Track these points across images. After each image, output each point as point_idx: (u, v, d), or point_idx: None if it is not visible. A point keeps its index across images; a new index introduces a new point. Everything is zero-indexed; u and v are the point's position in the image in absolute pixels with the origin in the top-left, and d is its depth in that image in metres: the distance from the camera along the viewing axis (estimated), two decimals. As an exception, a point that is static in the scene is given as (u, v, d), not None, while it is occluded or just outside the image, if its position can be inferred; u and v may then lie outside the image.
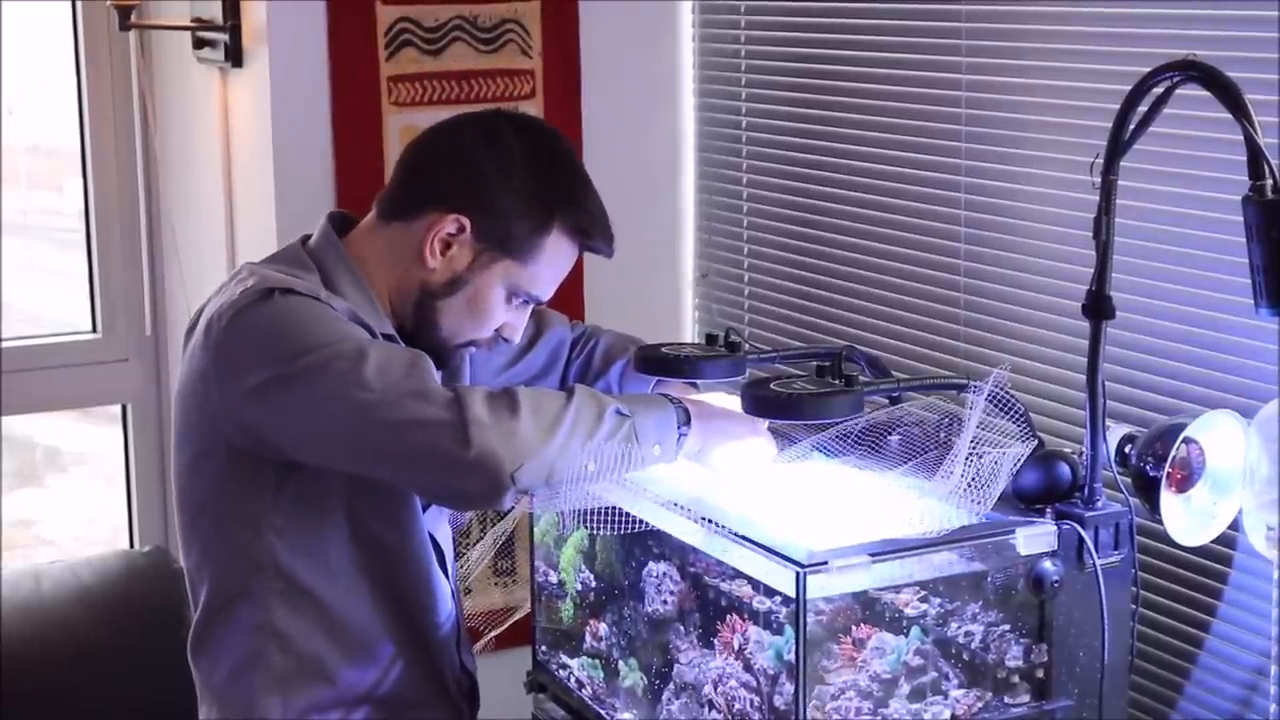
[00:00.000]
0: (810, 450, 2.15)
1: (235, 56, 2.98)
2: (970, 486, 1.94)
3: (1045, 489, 2.03)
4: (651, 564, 2.21)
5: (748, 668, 2.02)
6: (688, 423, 2.07)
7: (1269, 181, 1.80)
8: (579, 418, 1.97)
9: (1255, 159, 1.81)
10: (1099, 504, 2.03)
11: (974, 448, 1.97)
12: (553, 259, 2.14)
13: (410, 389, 1.95)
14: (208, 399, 2.06)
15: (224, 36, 2.99)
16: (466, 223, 2.10)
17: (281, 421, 2.01)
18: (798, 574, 1.84)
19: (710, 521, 1.99)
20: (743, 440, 2.12)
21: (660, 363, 2.25)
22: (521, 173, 2.11)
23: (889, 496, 2.02)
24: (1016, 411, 2.04)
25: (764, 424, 2.15)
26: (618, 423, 1.99)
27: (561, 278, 2.19)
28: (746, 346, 2.30)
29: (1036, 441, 2.04)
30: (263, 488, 2.07)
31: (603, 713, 2.24)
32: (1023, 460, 2.00)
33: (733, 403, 2.19)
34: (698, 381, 2.29)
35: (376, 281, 2.15)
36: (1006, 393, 2.04)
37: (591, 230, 2.16)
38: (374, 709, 2.15)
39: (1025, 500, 2.04)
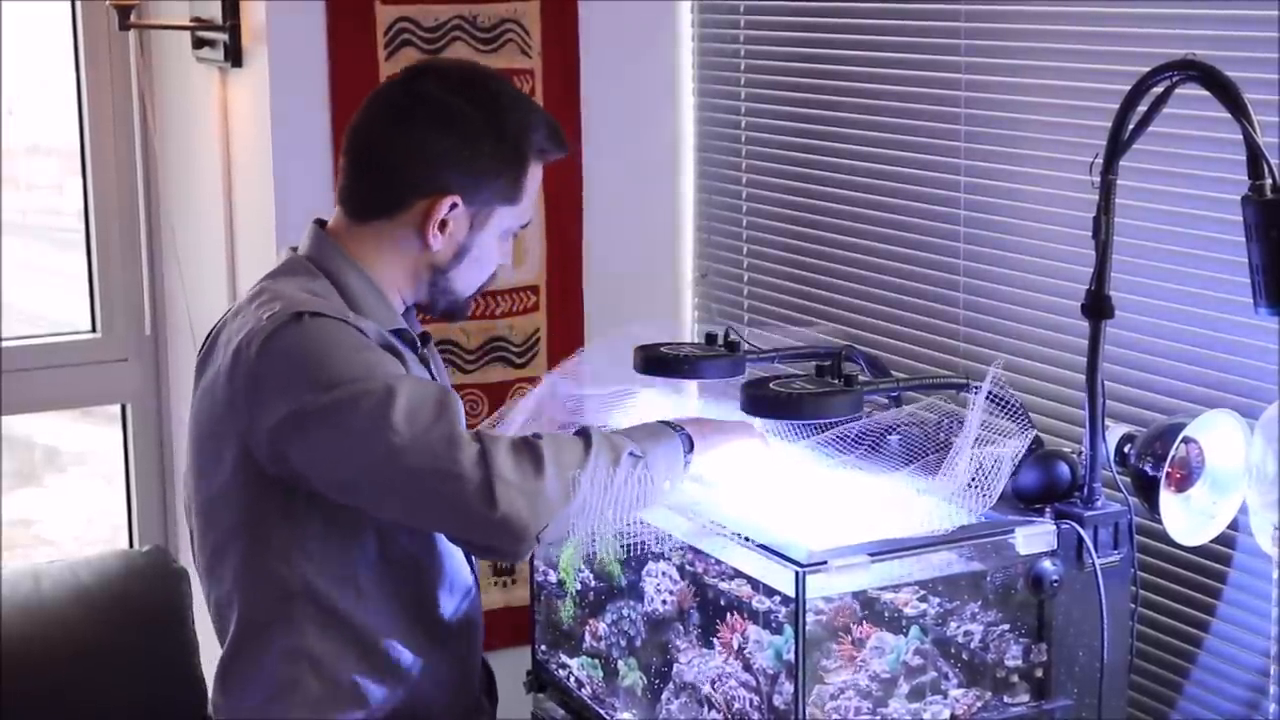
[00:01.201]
0: (804, 441, 2.14)
1: (235, 56, 2.98)
2: (973, 483, 1.94)
3: (1044, 488, 2.03)
4: (651, 563, 2.21)
5: (747, 667, 2.03)
6: (691, 449, 2.08)
7: (1268, 181, 1.80)
8: (598, 466, 1.97)
9: (1254, 158, 1.81)
10: (1098, 503, 2.03)
11: (975, 446, 1.97)
12: (531, 187, 2.19)
13: (439, 437, 1.94)
14: (240, 426, 2.04)
15: (223, 36, 2.99)
16: (458, 199, 2.12)
17: (310, 454, 2.00)
18: (797, 574, 1.84)
19: (710, 521, 2.00)
20: (735, 444, 2.13)
21: (660, 362, 2.25)
22: (485, 132, 2.13)
23: (890, 496, 2.01)
24: (1013, 407, 2.04)
25: (757, 424, 2.15)
26: (632, 465, 2.00)
27: (536, 195, 2.24)
28: (746, 346, 2.30)
29: (1034, 433, 2.04)
30: (295, 515, 2.06)
31: (602, 712, 2.24)
32: (1022, 453, 1.99)
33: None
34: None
35: (379, 275, 2.16)
36: (1002, 389, 2.05)
37: (554, 146, 2.20)
38: None
39: (1025, 500, 2.04)
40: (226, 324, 2.11)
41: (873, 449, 2.12)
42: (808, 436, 2.16)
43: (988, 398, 2.03)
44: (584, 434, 2.01)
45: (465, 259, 2.16)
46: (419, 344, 2.22)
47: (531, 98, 2.25)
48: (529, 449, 1.96)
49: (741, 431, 2.14)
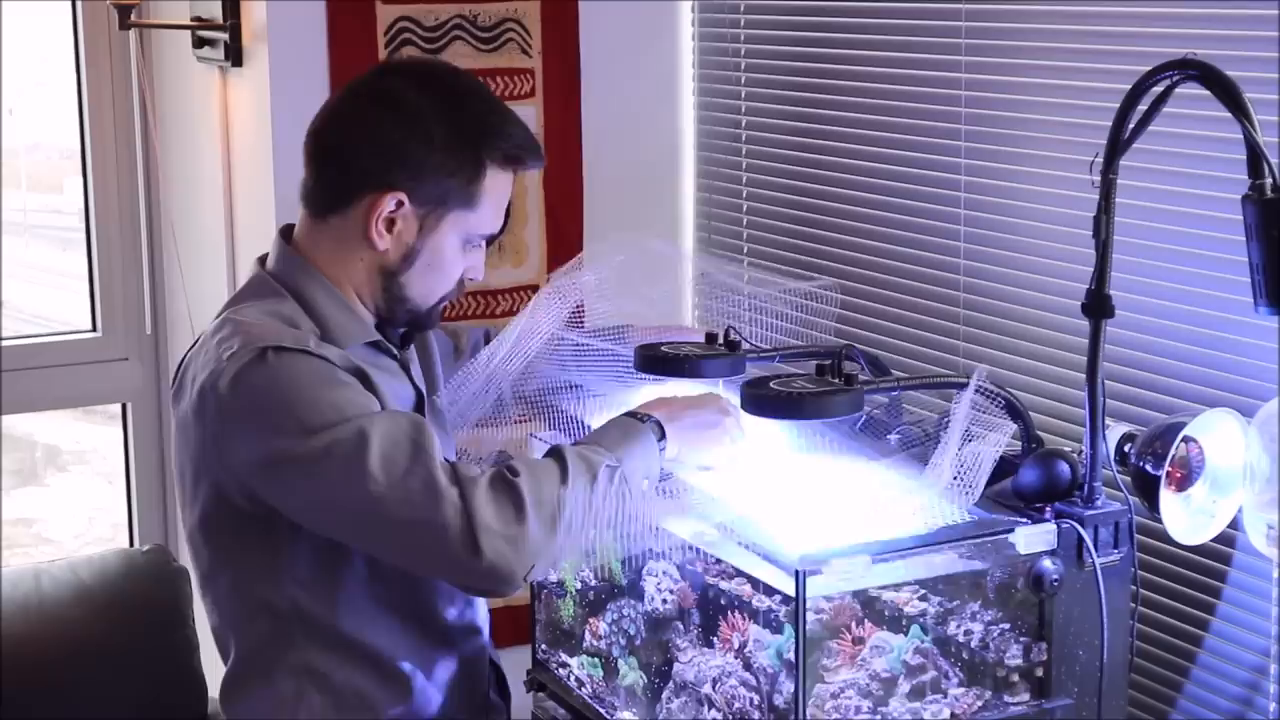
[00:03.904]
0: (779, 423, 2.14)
1: (235, 56, 2.98)
2: (957, 479, 1.94)
3: (1045, 488, 2.03)
4: (651, 563, 2.21)
5: (747, 666, 2.03)
6: (663, 436, 2.07)
7: (1268, 180, 1.80)
8: (577, 492, 1.95)
9: (1255, 158, 1.81)
10: (1098, 503, 2.03)
11: (961, 443, 1.96)
12: (493, 195, 2.12)
13: (417, 484, 1.92)
14: (212, 466, 2.03)
15: (224, 36, 2.99)
16: (403, 196, 2.07)
17: (286, 500, 2.00)
18: (798, 572, 1.84)
19: (708, 519, 2.00)
20: (713, 431, 2.12)
21: (660, 361, 2.25)
22: (437, 128, 2.07)
23: (876, 492, 2.00)
24: (1004, 403, 2.05)
25: (724, 400, 2.15)
26: (609, 478, 1.98)
27: (504, 207, 2.17)
28: (746, 345, 2.30)
29: (1014, 428, 2.03)
30: (277, 545, 2.05)
31: (602, 711, 2.24)
32: (1002, 446, 1.98)
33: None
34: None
35: (342, 283, 2.12)
36: (988, 387, 2.05)
37: (520, 154, 2.13)
38: None
39: (1025, 499, 2.04)
40: (193, 359, 2.08)
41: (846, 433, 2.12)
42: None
43: (980, 392, 2.03)
44: (558, 456, 1.98)
45: (416, 263, 2.10)
46: (398, 348, 2.19)
47: (506, 105, 2.17)
48: (508, 490, 1.92)
49: (710, 404, 2.14)
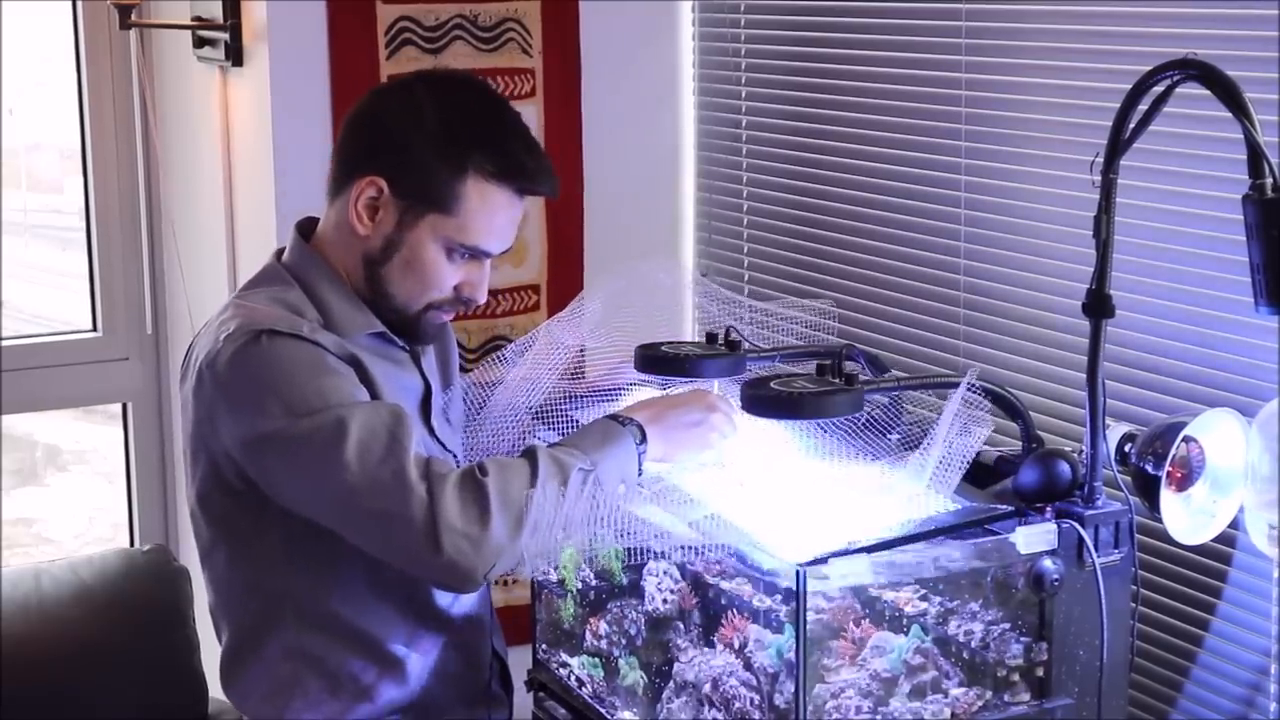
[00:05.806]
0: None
1: (235, 55, 2.99)
2: (934, 476, 1.94)
3: (1045, 487, 2.03)
4: (652, 562, 2.21)
5: (748, 666, 2.03)
6: (644, 439, 2.07)
7: (1269, 180, 1.80)
8: (546, 495, 1.95)
9: (1255, 157, 1.81)
10: (1099, 503, 2.03)
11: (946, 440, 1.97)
12: (481, 207, 2.10)
13: (389, 474, 1.94)
14: (207, 446, 2.07)
15: (224, 35, 2.99)
16: (383, 182, 2.09)
17: (267, 479, 2.03)
18: (798, 571, 1.84)
19: (709, 518, 2.00)
20: (698, 430, 2.11)
21: (660, 362, 2.25)
22: (430, 124, 2.09)
23: (859, 487, 2.00)
24: (1009, 407, 2.05)
25: (713, 395, 2.16)
26: (582, 480, 1.98)
27: (503, 228, 2.13)
28: (746, 345, 2.30)
29: (989, 430, 2.02)
30: (271, 523, 2.07)
31: (603, 711, 2.24)
32: (975, 449, 1.98)
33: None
34: None
35: (343, 272, 2.15)
36: (987, 386, 2.05)
37: (513, 172, 2.10)
38: (411, 716, 2.16)
39: (1025, 499, 2.04)
40: (197, 340, 2.12)
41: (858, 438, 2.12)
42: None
43: (974, 390, 2.03)
44: (531, 457, 1.99)
45: (395, 257, 2.10)
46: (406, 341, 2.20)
47: (529, 134, 2.16)
48: (475, 489, 1.94)
49: (695, 402, 2.14)
